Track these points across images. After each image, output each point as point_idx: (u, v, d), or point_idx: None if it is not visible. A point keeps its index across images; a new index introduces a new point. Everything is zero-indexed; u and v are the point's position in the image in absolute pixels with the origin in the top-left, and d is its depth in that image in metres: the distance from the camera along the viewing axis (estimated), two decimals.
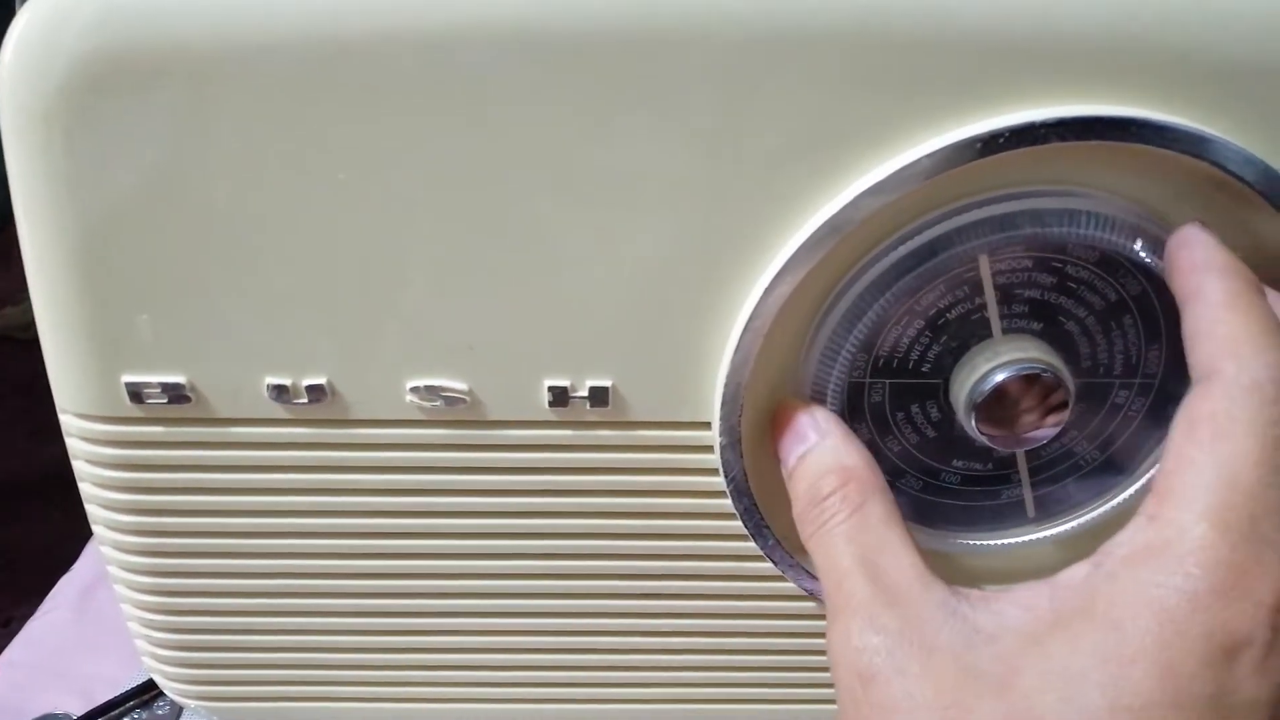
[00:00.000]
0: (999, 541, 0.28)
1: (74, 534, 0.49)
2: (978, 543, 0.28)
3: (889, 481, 0.26)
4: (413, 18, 0.21)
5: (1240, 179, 0.22)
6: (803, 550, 0.27)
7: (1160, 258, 0.23)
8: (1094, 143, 0.22)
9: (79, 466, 0.27)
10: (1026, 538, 0.28)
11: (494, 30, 0.21)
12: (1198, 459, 0.20)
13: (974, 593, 0.22)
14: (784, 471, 0.25)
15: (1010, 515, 0.28)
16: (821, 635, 0.28)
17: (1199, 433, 0.20)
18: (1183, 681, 0.19)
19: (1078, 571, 0.21)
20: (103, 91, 0.22)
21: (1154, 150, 0.22)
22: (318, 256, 0.24)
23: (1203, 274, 0.22)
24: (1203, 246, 0.22)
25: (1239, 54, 0.22)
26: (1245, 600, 0.19)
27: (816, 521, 0.24)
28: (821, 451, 0.24)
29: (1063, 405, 0.24)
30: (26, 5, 0.22)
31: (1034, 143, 0.22)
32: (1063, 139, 0.22)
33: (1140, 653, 0.19)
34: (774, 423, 0.25)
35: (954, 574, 0.27)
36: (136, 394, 0.25)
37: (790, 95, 0.22)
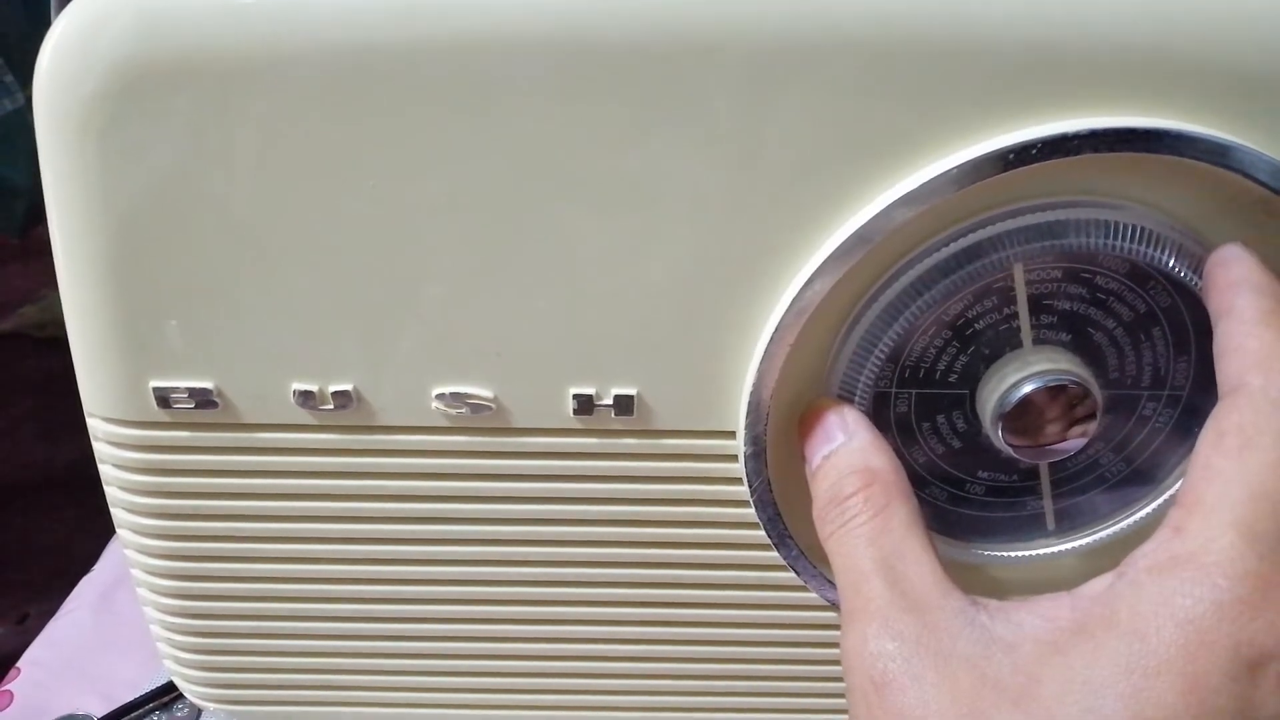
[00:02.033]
0: (1020, 553, 0.28)
1: (89, 531, 0.50)
2: (999, 554, 0.28)
3: (915, 492, 0.26)
4: (439, 28, 0.21)
5: (1274, 191, 0.22)
6: (826, 561, 0.27)
7: (1191, 270, 0.23)
8: (1126, 154, 0.22)
9: (105, 470, 0.28)
10: (1048, 550, 0.28)
11: (521, 39, 0.21)
12: (1225, 470, 0.20)
13: (992, 603, 0.22)
14: (808, 470, 0.25)
15: (1032, 527, 0.28)
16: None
17: (1226, 444, 0.20)
18: (1207, 695, 0.18)
19: (1101, 582, 0.21)
20: (136, 98, 0.22)
21: (1188, 162, 0.22)
22: (344, 264, 0.24)
23: (1237, 291, 0.22)
24: (1239, 264, 0.22)
25: (1274, 66, 0.22)
26: (1273, 613, 0.18)
27: (837, 521, 0.23)
28: (848, 451, 0.24)
29: (1090, 416, 0.24)
30: (63, 14, 0.22)
31: (1066, 154, 0.22)
32: (1095, 150, 0.22)
33: (1165, 664, 0.19)
34: (802, 421, 0.25)
35: (975, 584, 0.27)
36: (164, 399, 0.26)
37: (818, 105, 0.22)
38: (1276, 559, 0.19)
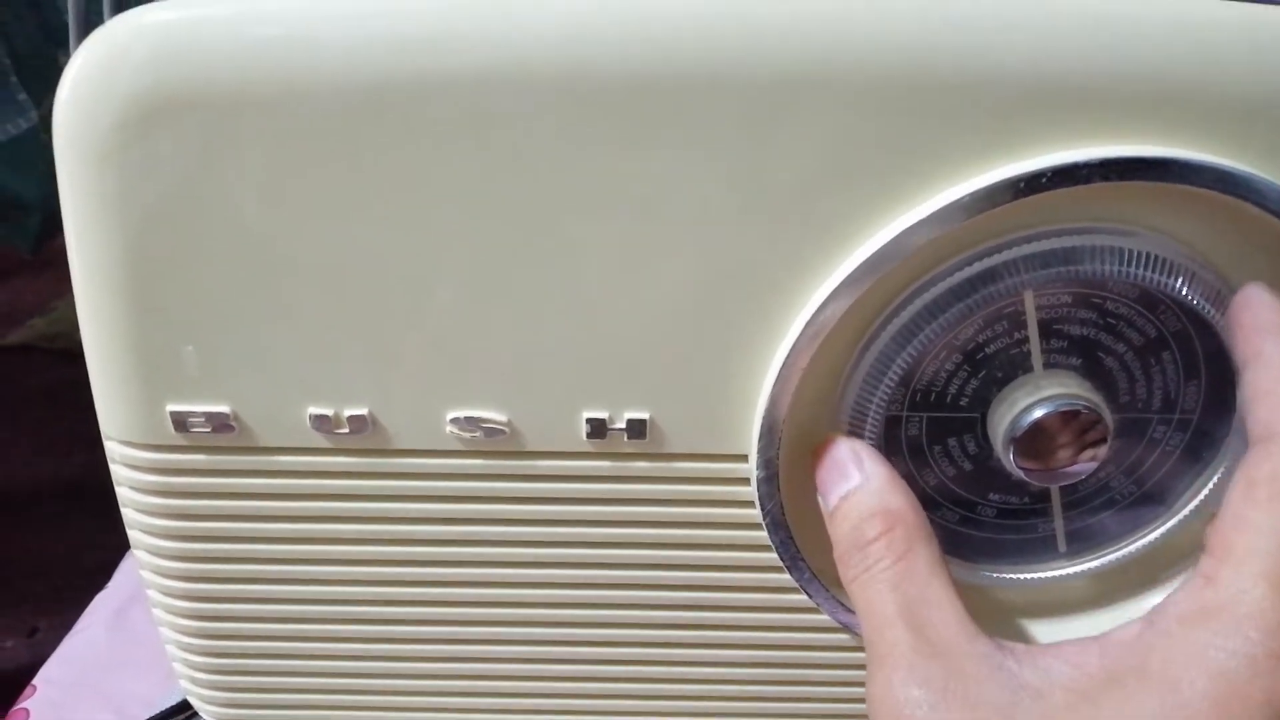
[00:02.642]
0: (1032, 575, 0.28)
1: (98, 544, 0.50)
2: (1011, 576, 0.28)
3: (927, 514, 0.27)
4: (448, 60, 0.22)
5: None
6: (838, 583, 0.27)
7: (1203, 296, 0.23)
8: (1137, 182, 0.22)
9: (122, 492, 0.28)
10: (1059, 572, 0.28)
11: (530, 71, 0.22)
12: (1256, 520, 0.20)
13: (1020, 647, 0.22)
14: (823, 507, 0.25)
15: (1043, 548, 0.28)
16: (855, 667, 0.29)
17: (1257, 494, 0.20)
18: None
19: (1130, 629, 0.21)
20: (152, 129, 0.22)
21: (1198, 190, 0.22)
22: (358, 290, 0.24)
23: (1264, 335, 0.22)
24: (1266, 308, 0.22)
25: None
26: None
27: (860, 566, 0.23)
28: (867, 493, 0.24)
29: (1101, 440, 0.24)
30: (82, 46, 0.23)
31: (1076, 183, 0.22)
32: (1105, 179, 0.22)
33: (1196, 715, 0.19)
34: (815, 457, 0.25)
35: (986, 606, 0.28)
36: (181, 423, 0.26)
37: (831, 133, 0.22)
38: None
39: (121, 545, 0.46)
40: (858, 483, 0.24)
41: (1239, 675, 0.19)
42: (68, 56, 0.23)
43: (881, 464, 0.24)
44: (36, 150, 0.77)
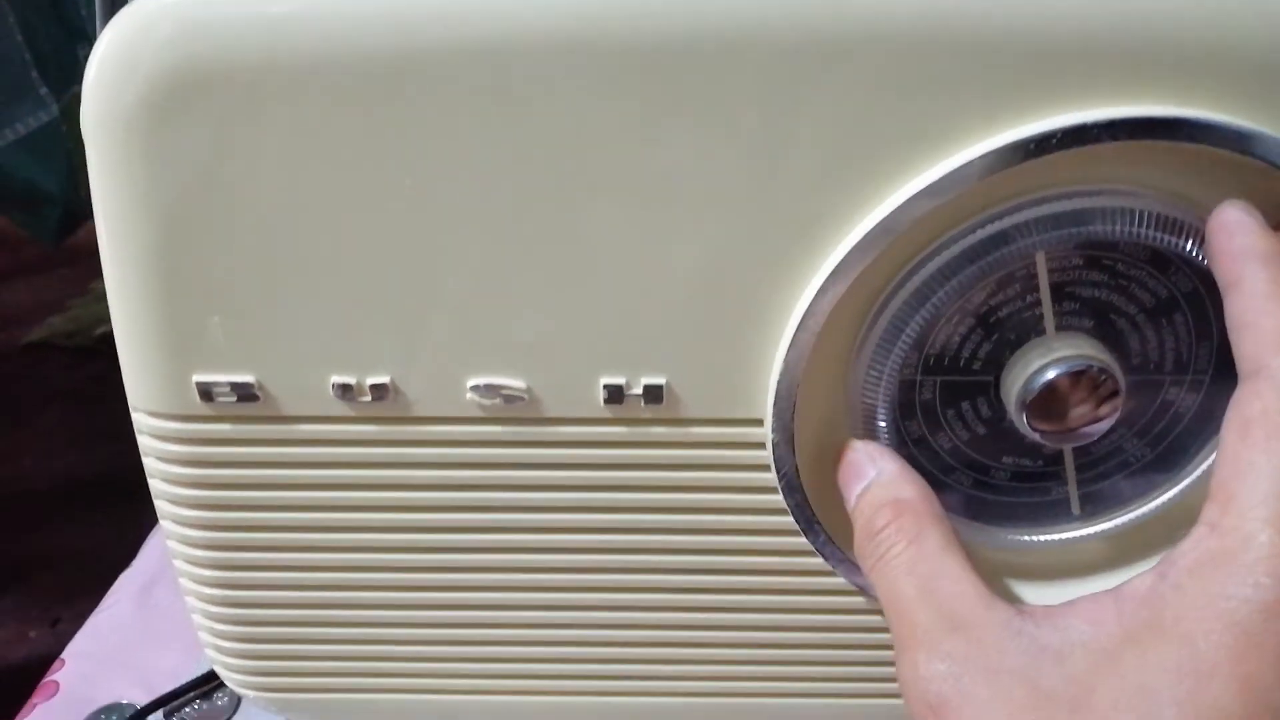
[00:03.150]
0: (1046, 538, 0.28)
1: (119, 537, 0.51)
2: (1026, 538, 0.28)
3: (940, 478, 0.27)
4: (466, 31, 0.22)
5: None
6: (852, 546, 0.27)
7: None
8: (1146, 142, 0.22)
9: (149, 463, 0.28)
10: (1073, 534, 0.28)
11: (548, 40, 0.22)
12: (1256, 462, 0.20)
13: (1038, 609, 0.22)
14: (849, 509, 0.26)
15: (1057, 511, 0.28)
16: (872, 630, 0.29)
17: (1253, 434, 0.20)
18: (1261, 694, 0.18)
19: (1143, 583, 0.21)
20: (177, 104, 0.23)
21: (1208, 149, 0.22)
22: (380, 260, 0.24)
23: (1244, 262, 0.21)
24: (1244, 231, 0.22)
25: None
26: None
27: (875, 554, 0.24)
28: (878, 486, 0.25)
29: (1113, 397, 0.25)
30: (109, 26, 0.23)
31: (1085, 143, 0.22)
32: (1115, 139, 0.22)
33: (1215, 667, 0.19)
34: (836, 462, 0.26)
35: (1001, 569, 0.28)
36: (207, 393, 0.26)
37: (841, 99, 0.22)
38: None
39: (142, 537, 0.47)
40: (871, 477, 0.25)
41: (1253, 623, 0.19)
42: (88, 52, 0.23)
43: (893, 459, 0.25)
44: (57, 143, 0.78)
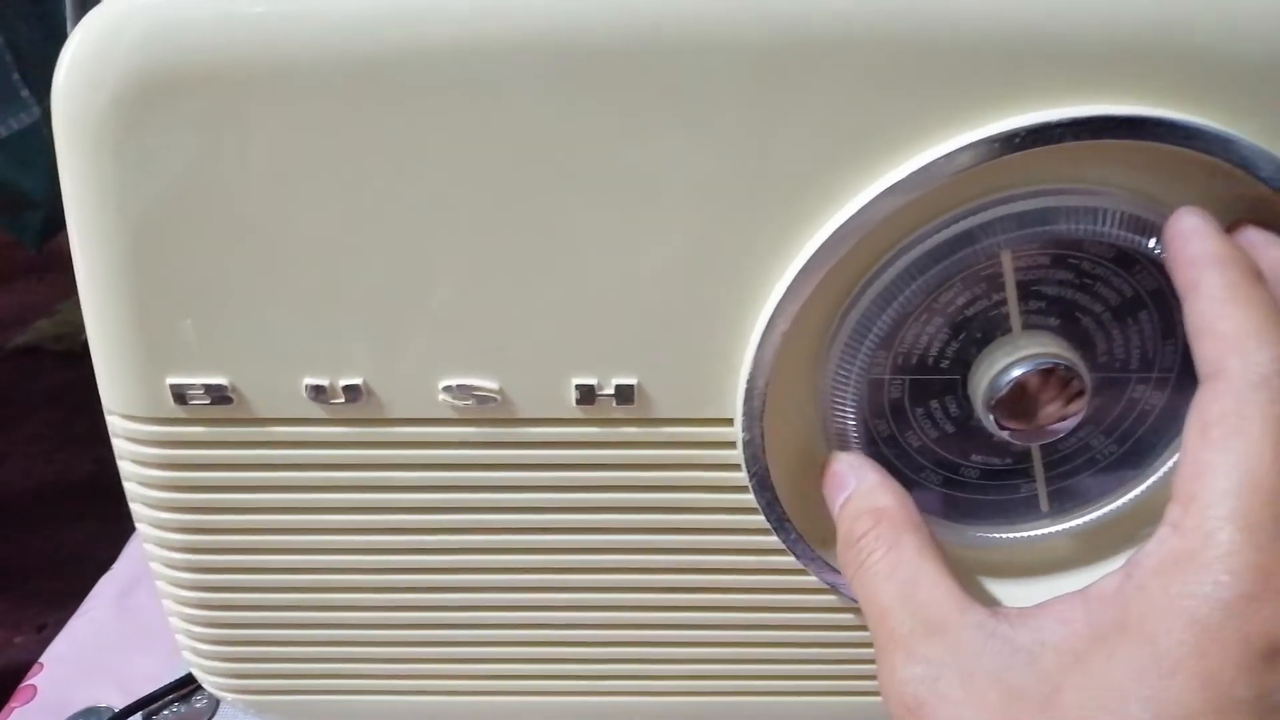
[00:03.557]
0: (1016, 535, 0.28)
1: (106, 541, 0.51)
2: (995, 536, 0.28)
3: (909, 476, 0.27)
4: (440, 31, 0.22)
5: (1256, 176, 0.23)
6: (824, 544, 0.27)
7: None
8: (1110, 141, 0.22)
9: (124, 466, 0.28)
10: (1042, 531, 0.28)
11: (517, 41, 0.22)
12: (1215, 462, 0.20)
13: (1012, 611, 0.22)
14: (835, 519, 0.26)
15: (1026, 509, 0.28)
16: (844, 628, 0.29)
17: (1212, 435, 0.20)
18: (1223, 689, 0.19)
19: (1110, 583, 0.21)
20: (149, 106, 0.23)
21: (1170, 148, 0.23)
22: (352, 261, 0.25)
23: (1200, 267, 0.22)
24: (1199, 237, 0.22)
25: (1252, 51, 0.22)
26: (1278, 601, 0.19)
27: (855, 561, 0.24)
28: (858, 495, 0.25)
29: (1079, 396, 0.25)
30: (79, 26, 0.23)
31: (1049, 142, 0.22)
32: (1078, 138, 0.22)
33: (1178, 664, 0.19)
34: (810, 465, 0.27)
35: (971, 567, 0.28)
36: (180, 395, 0.26)
37: (807, 99, 0.22)
38: (1275, 547, 0.19)
39: (129, 539, 0.47)
40: (852, 487, 0.26)
41: (1213, 620, 0.19)
42: None
43: (874, 469, 0.26)
44: (40, 146, 0.78)
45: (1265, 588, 0.19)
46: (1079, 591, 0.22)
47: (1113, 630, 0.20)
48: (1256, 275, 0.22)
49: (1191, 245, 0.22)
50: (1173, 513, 0.20)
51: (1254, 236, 0.23)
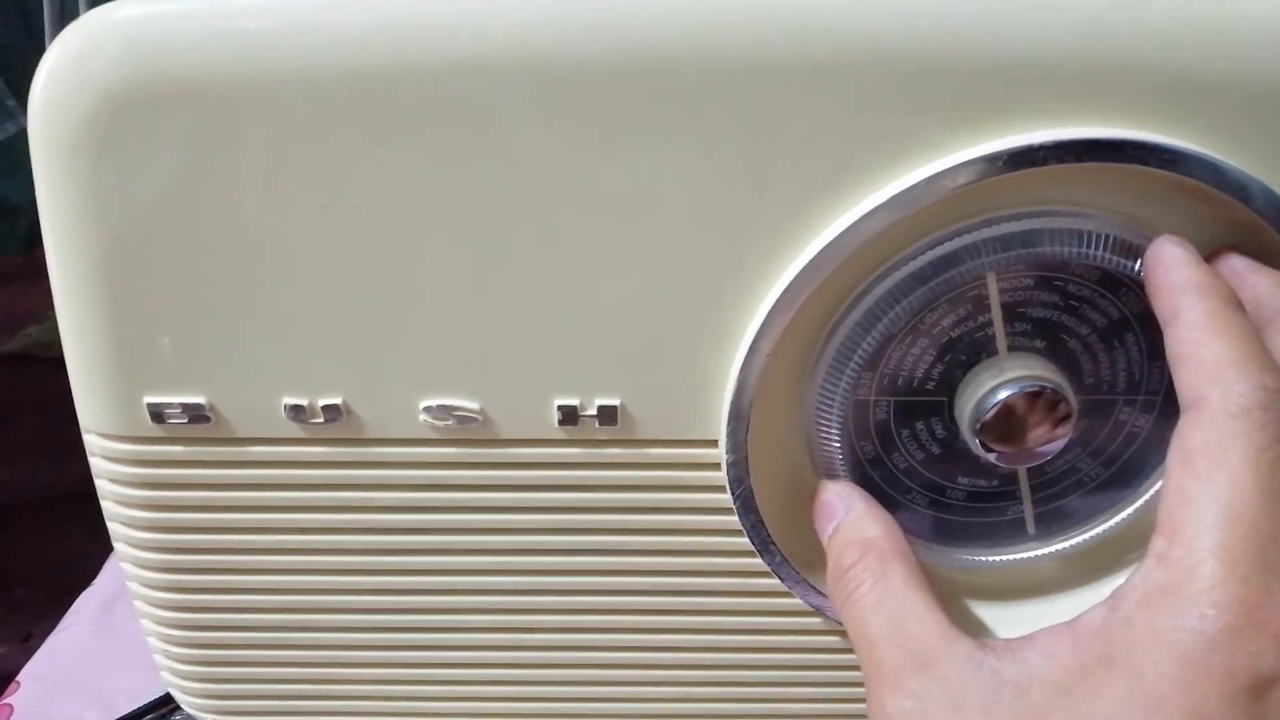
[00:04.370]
0: (1003, 558, 0.28)
1: (94, 551, 0.50)
2: (982, 559, 0.28)
3: (896, 498, 0.27)
4: (425, 50, 0.22)
5: (1242, 202, 0.23)
6: (809, 567, 0.27)
7: None
8: (1093, 164, 0.22)
9: (101, 485, 0.28)
10: (1030, 554, 0.28)
11: (503, 61, 0.22)
12: (1198, 493, 0.20)
13: (999, 643, 0.22)
14: (825, 549, 0.26)
15: (1013, 531, 0.28)
16: (829, 650, 0.29)
17: (1195, 466, 0.20)
18: None
19: (1096, 615, 0.21)
20: (126, 121, 0.23)
21: (1154, 171, 0.22)
22: (333, 280, 0.24)
23: (1181, 295, 0.22)
24: (1178, 266, 0.22)
25: (1238, 76, 0.22)
26: (1262, 634, 0.19)
27: (843, 593, 0.24)
28: (846, 525, 0.25)
29: (1066, 418, 0.25)
30: (57, 39, 0.23)
31: (1033, 164, 0.22)
32: (1061, 161, 0.22)
33: (1164, 699, 0.19)
34: (810, 501, 0.27)
35: (959, 590, 0.28)
36: (158, 414, 0.26)
37: (792, 121, 0.22)
38: (1258, 579, 0.19)
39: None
40: (840, 517, 0.26)
41: (1198, 653, 0.19)
42: None
43: (862, 499, 0.26)
44: (25, 154, 0.77)
45: (1250, 621, 0.19)
46: (1066, 623, 0.22)
47: (1099, 664, 0.20)
48: (1236, 304, 0.22)
49: (1173, 274, 0.22)
50: (1157, 544, 0.20)
51: (1237, 264, 0.23)
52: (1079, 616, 0.22)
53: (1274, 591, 0.19)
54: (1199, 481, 0.20)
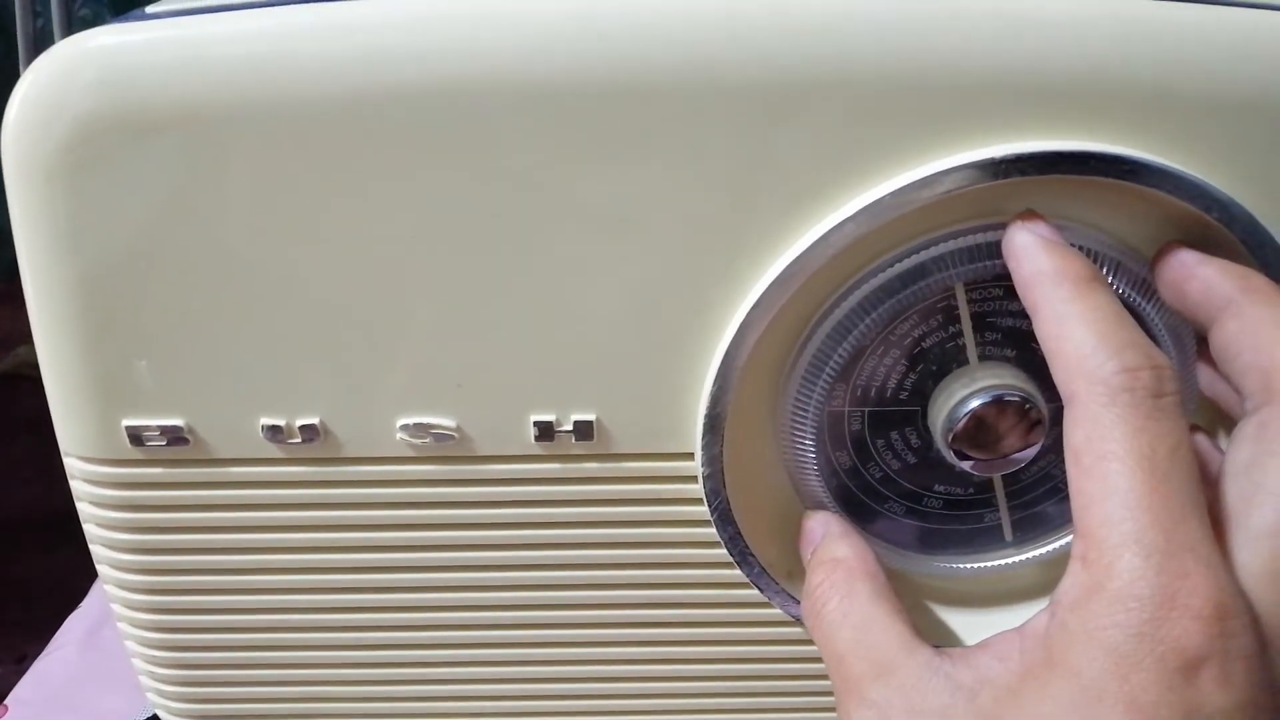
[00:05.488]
0: (981, 564, 0.28)
1: (86, 570, 0.50)
2: (960, 566, 0.28)
3: (872, 507, 0.27)
4: (400, 72, 0.22)
5: (1205, 213, 0.23)
6: (788, 577, 0.27)
7: (1131, 287, 0.24)
8: (1055, 176, 0.23)
9: (82, 508, 0.28)
10: (1007, 560, 0.28)
11: (481, 85, 0.22)
12: (1095, 492, 0.20)
13: (956, 650, 0.23)
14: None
15: (990, 538, 0.28)
16: (808, 660, 0.29)
17: (1083, 464, 0.20)
18: (1149, 710, 0.19)
19: (1040, 620, 0.22)
20: (100, 148, 0.23)
21: (1117, 183, 0.23)
22: (307, 301, 0.24)
23: (1034, 289, 0.22)
24: (1028, 256, 0.22)
25: (1203, 88, 0.22)
26: (1185, 616, 0.19)
27: (813, 611, 0.25)
28: (820, 548, 0.26)
29: (1038, 427, 0.25)
30: (31, 67, 0.23)
31: (995, 177, 0.22)
32: (1023, 174, 0.22)
33: (1103, 693, 0.19)
34: (786, 516, 0.27)
35: (937, 597, 0.28)
36: (136, 437, 0.26)
37: (760, 138, 0.23)
38: (1173, 563, 0.19)
39: None
40: (817, 541, 0.26)
41: (1128, 646, 0.19)
42: None
43: (838, 524, 0.27)
44: None
45: (1171, 606, 0.19)
46: (1016, 629, 0.22)
47: (1042, 666, 0.21)
48: (1092, 280, 0.22)
49: (1024, 266, 0.22)
50: (1078, 546, 0.21)
51: (1185, 257, 0.24)
52: (1027, 622, 0.22)
53: (1189, 573, 0.19)
54: (1091, 479, 0.20)
